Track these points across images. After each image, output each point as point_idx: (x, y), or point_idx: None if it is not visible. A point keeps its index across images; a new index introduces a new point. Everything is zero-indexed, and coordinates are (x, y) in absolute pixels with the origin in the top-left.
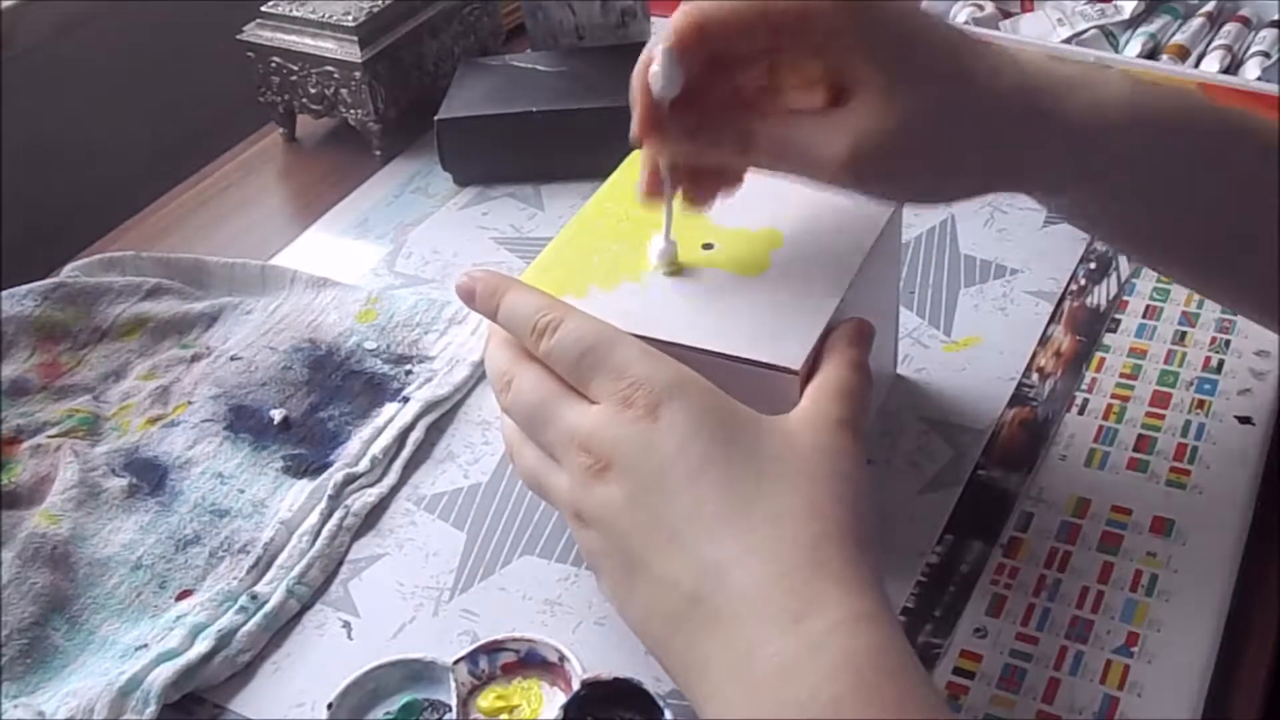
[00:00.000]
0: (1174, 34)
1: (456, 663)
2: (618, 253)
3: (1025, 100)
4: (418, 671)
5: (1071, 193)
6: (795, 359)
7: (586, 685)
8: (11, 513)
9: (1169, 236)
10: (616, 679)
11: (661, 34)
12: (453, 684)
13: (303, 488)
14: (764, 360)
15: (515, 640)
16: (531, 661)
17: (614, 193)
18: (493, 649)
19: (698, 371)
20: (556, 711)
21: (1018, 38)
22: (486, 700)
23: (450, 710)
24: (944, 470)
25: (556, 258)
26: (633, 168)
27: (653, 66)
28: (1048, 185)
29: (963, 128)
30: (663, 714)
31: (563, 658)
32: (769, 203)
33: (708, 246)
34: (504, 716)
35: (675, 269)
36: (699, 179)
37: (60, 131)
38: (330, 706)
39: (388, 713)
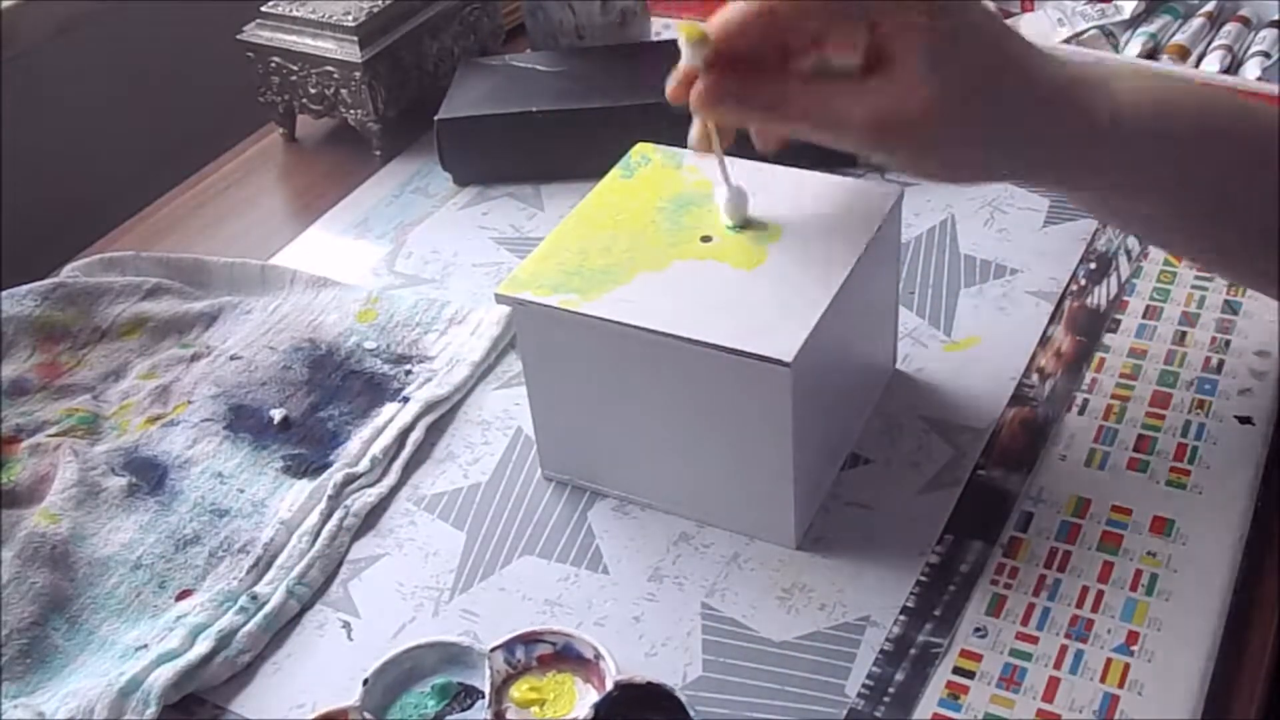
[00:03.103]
0: (1174, 34)
1: (494, 650)
2: (615, 246)
3: (1061, 95)
4: (455, 654)
5: (1094, 187)
6: (788, 351)
7: (620, 686)
8: (11, 512)
9: (1188, 225)
10: (650, 683)
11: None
12: (488, 671)
13: (303, 488)
14: (756, 352)
15: (553, 633)
16: (568, 656)
17: (613, 187)
18: (530, 639)
19: (692, 363)
20: (588, 710)
21: None
22: (520, 691)
23: (483, 696)
24: (944, 470)
25: (555, 250)
26: (630, 163)
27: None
28: (1072, 181)
29: (993, 114)
30: None
31: (598, 655)
32: (769, 196)
33: (706, 239)
34: (535, 709)
35: (742, 219)
36: (761, 131)
37: (60, 132)
38: (366, 681)
39: (422, 693)
